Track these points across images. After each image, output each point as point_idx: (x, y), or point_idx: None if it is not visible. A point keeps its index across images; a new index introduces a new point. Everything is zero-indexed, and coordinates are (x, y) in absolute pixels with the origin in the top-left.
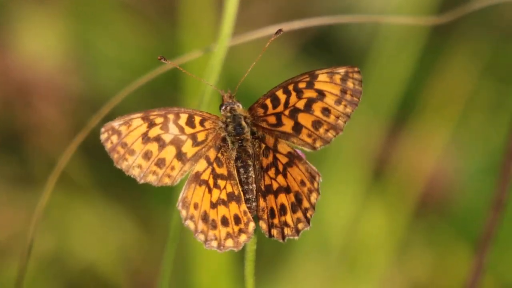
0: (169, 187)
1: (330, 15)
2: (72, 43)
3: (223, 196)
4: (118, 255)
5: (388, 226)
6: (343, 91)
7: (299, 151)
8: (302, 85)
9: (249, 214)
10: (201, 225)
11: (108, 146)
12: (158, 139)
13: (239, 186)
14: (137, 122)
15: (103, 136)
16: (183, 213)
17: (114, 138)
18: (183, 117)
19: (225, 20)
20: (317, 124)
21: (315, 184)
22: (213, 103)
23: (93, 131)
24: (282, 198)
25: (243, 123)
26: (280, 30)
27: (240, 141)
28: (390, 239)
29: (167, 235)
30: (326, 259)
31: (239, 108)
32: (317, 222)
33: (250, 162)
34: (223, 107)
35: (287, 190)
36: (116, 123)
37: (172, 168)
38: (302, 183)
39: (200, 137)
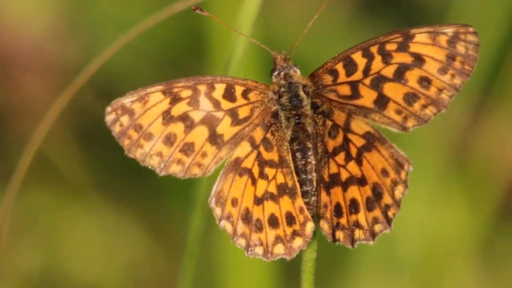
0: (190, 183)
1: None
2: (64, 2)
3: (272, 188)
4: (125, 275)
5: (472, 226)
6: (451, 57)
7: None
8: (391, 46)
9: (306, 212)
10: (241, 227)
11: (116, 130)
12: (184, 117)
13: (295, 176)
14: (157, 97)
15: (109, 117)
16: (217, 211)
17: (125, 120)
18: (220, 88)
19: None
20: (411, 97)
21: (403, 175)
22: (246, 71)
23: (92, 113)
24: (354, 191)
25: (302, 93)
26: None
27: (297, 117)
28: (474, 243)
29: (184, 247)
30: (394, 274)
31: (297, 74)
32: None
33: (309, 145)
34: (276, 73)
35: (361, 181)
36: (127, 100)
37: (204, 155)
38: (384, 172)
39: (243, 113)
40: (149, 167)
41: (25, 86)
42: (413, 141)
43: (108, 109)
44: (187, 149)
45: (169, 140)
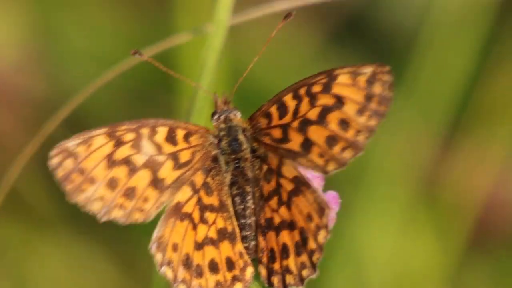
0: (158, 215)
1: None
2: (33, 31)
3: (212, 233)
4: None
5: (441, 259)
6: (368, 98)
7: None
8: (317, 88)
9: (246, 257)
10: (182, 272)
11: (59, 173)
12: (127, 161)
13: (234, 220)
14: (100, 140)
15: (53, 161)
16: (158, 257)
17: (69, 163)
18: (162, 132)
19: None
20: (331, 140)
21: (324, 220)
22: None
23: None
24: (285, 236)
25: (242, 137)
26: (289, 14)
27: (236, 161)
28: (443, 276)
29: (153, 280)
30: None
31: (237, 118)
32: (353, 257)
33: (248, 189)
34: (216, 116)
35: (291, 226)
36: (71, 143)
37: (145, 200)
38: (309, 217)
39: (184, 156)
40: (90, 213)
41: None
42: (382, 173)
43: (52, 152)
44: (130, 193)
45: (111, 184)
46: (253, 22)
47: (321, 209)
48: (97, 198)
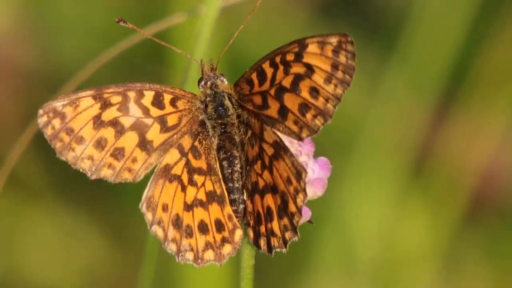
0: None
1: None
2: (25, 2)
3: (201, 195)
4: (84, 277)
5: (433, 234)
6: (335, 67)
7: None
8: (290, 57)
9: (235, 219)
10: (172, 232)
11: (48, 132)
12: (114, 123)
13: (223, 184)
14: (87, 102)
15: (41, 120)
16: (149, 216)
17: (56, 123)
18: (148, 95)
19: None
20: (304, 108)
21: (302, 183)
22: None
23: None
24: (269, 199)
25: (228, 102)
26: None
27: (223, 126)
28: (435, 250)
29: (144, 249)
30: (353, 277)
31: (223, 84)
32: (342, 228)
33: (236, 153)
34: (202, 82)
35: (273, 189)
36: (58, 103)
37: (134, 160)
38: (288, 181)
39: (171, 120)
40: (81, 170)
41: None
42: (373, 143)
43: (40, 111)
44: (118, 154)
45: (100, 144)
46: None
47: (298, 172)
48: (86, 157)
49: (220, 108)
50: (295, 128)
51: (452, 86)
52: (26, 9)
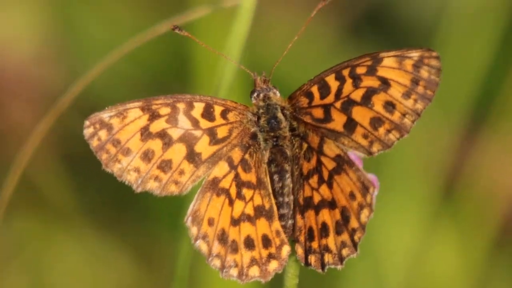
0: (178, 208)
1: None
2: (52, 24)
3: (249, 210)
4: None
5: (463, 258)
6: (415, 82)
7: (353, 155)
8: (361, 70)
9: (283, 235)
10: (217, 247)
11: (94, 143)
12: (162, 135)
13: (272, 198)
14: (135, 113)
15: (87, 131)
16: (193, 230)
17: (103, 134)
18: (199, 107)
19: None
20: (376, 122)
21: (368, 198)
22: (234, 95)
23: (79, 137)
24: (325, 215)
25: (280, 115)
26: None
27: (275, 139)
28: (465, 276)
29: (173, 273)
30: None
31: (276, 96)
32: (369, 253)
33: (287, 167)
34: (255, 94)
35: (331, 204)
36: (106, 114)
37: (181, 173)
38: (352, 196)
39: (221, 132)
40: (126, 182)
41: (12, 112)
42: (401, 166)
43: (86, 123)
44: (165, 166)
45: (147, 156)
46: (274, 12)
47: (365, 187)
48: (132, 169)
49: (273, 120)
50: (364, 142)
51: (481, 108)
52: (54, 33)
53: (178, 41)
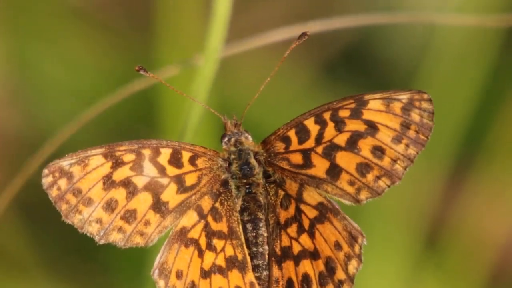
0: (140, 259)
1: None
2: (9, 64)
3: (220, 261)
4: None
5: None
6: (405, 126)
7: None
8: (344, 113)
9: (257, 287)
10: None
11: (53, 193)
12: (127, 183)
13: (245, 248)
14: (97, 160)
15: (46, 180)
16: (161, 283)
17: (63, 183)
18: (165, 153)
19: (214, 24)
20: (364, 168)
21: (356, 248)
22: (201, 139)
23: (36, 185)
24: (306, 265)
25: (253, 161)
26: (304, 34)
27: (248, 186)
28: None
29: None
30: None
31: (248, 141)
32: None
33: (261, 216)
34: (226, 139)
35: (313, 255)
36: (66, 162)
37: (147, 223)
38: (337, 245)
39: (190, 180)
40: (88, 234)
41: None
42: (381, 213)
43: (45, 171)
44: (129, 216)
45: (109, 206)
46: (241, 54)
47: (353, 237)
48: (94, 220)
49: (245, 166)
50: (350, 189)
51: (467, 152)
52: (10, 73)
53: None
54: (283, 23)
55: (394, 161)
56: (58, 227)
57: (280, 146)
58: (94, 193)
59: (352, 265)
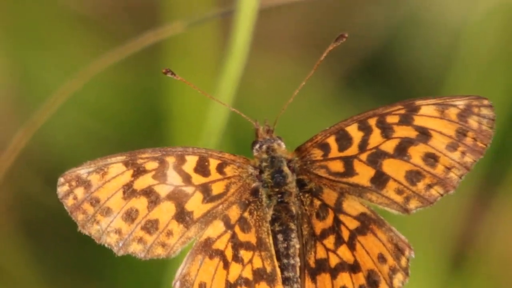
0: (150, 278)
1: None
2: (10, 74)
3: (248, 274)
4: None
5: None
6: (462, 133)
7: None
8: (392, 119)
9: None
10: None
11: (69, 203)
12: (148, 192)
13: (275, 260)
14: (118, 168)
15: (61, 189)
16: None
17: (80, 192)
18: (191, 161)
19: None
20: (414, 175)
21: (403, 261)
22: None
23: (39, 203)
24: (345, 279)
25: (286, 169)
26: (342, 36)
27: (280, 195)
28: None
29: None
30: None
31: (281, 148)
32: None
33: (293, 226)
34: (257, 146)
35: (353, 267)
36: (83, 170)
37: (169, 234)
38: (381, 258)
39: (217, 189)
40: (106, 245)
41: None
42: (406, 232)
43: (61, 180)
44: (150, 227)
45: (129, 216)
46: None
47: (399, 249)
48: (112, 230)
49: (277, 175)
50: (398, 198)
51: (496, 166)
52: (11, 83)
53: (150, 96)
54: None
55: (449, 169)
56: (60, 245)
57: (317, 154)
58: (113, 203)
59: (398, 279)
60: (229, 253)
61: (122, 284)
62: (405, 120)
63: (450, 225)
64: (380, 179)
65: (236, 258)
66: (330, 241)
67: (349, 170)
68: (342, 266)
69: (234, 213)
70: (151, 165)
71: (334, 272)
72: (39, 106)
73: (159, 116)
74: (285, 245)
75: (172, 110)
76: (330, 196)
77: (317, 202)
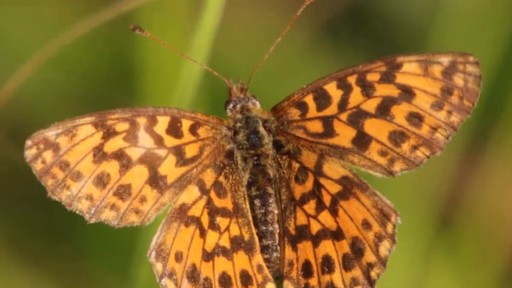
0: (120, 242)
1: None
2: None
3: (225, 242)
4: None
5: None
6: (447, 91)
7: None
8: (373, 77)
9: (266, 271)
10: (186, 286)
11: (37, 167)
12: (120, 155)
13: (252, 227)
14: (87, 130)
15: (29, 152)
16: (158, 267)
17: (48, 156)
18: (163, 122)
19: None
20: (398, 136)
21: (389, 228)
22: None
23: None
24: (327, 246)
25: (262, 129)
26: None
27: (256, 158)
28: None
29: None
30: None
31: (256, 108)
32: None
33: (271, 191)
34: (231, 105)
35: (336, 234)
36: (51, 132)
37: (143, 200)
38: (366, 224)
39: (191, 151)
40: (77, 212)
41: None
42: (394, 193)
43: (28, 142)
44: (123, 192)
45: (101, 181)
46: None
47: (385, 215)
48: (83, 196)
49: (253, 136)
50: (381, 160)
51: (484, 124)
52: None
53: (119, 46)
54: None
55: (434, 129)
56: (28, 207)
57: (294, 113)
58: (83, 167)
59: (384, 246)
60: (205, 220)
61: (91, 249)
62: (387, 78)
63: (439, 183)
64: (362, 140)
65: (213, 226)
66: (310, 206)
67: (329, 131)
68: (324, 233)
69: (209, 177)
70: (122, 126)
71: (316, 240)
72: (15, 66)
73: (133, 72)
74: (263, 211)
75: (146, 65)
76: (309, 158)
77: (295, 165)
